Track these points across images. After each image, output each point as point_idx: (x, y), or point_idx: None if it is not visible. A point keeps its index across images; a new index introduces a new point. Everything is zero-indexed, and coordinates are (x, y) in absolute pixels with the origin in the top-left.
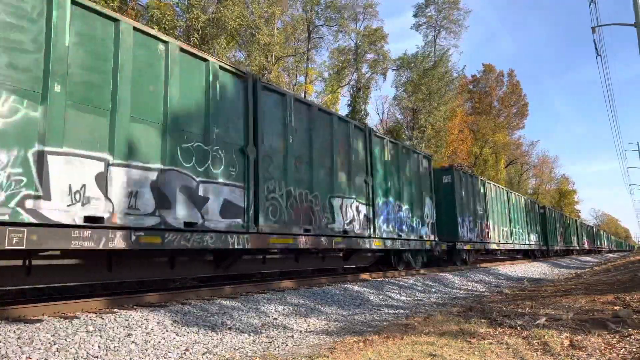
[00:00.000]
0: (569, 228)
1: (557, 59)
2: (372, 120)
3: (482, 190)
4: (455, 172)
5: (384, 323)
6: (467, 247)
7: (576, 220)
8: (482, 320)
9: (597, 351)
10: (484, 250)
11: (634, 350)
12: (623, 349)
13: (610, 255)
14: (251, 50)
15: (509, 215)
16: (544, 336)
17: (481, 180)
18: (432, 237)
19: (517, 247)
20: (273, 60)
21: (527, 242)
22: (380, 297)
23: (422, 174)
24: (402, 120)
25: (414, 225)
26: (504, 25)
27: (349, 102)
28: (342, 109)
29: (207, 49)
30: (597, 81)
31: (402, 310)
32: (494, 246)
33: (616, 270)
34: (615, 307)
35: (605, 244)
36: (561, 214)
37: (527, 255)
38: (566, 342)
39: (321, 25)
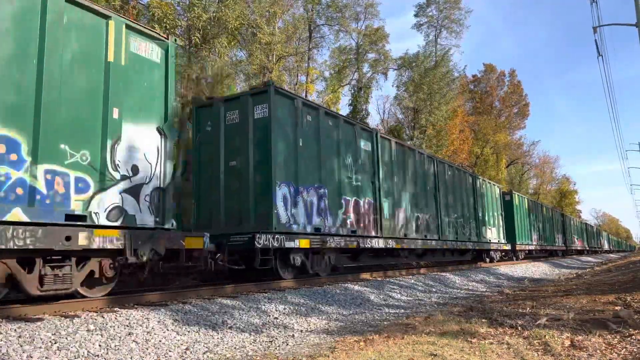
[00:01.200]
0: (550, 223)
1: (558, 58)
2: (374, 120)
3: (362, 146)
4: (276, 99)
5: (385, 323)
6: (300, 243)
7: (562, 214)
8: (483, 320)
9: (598, 351)
10: (359, 249)
11: (635, 350)
12: (624, 349)
13: (611, 255)
14: (252, 49)
15: (435, 197)
16: (545, 336)
17: (363, 127)
18: (142, 221)
19: (450, 245)
20: (274, 60)
21: (476, 238)
22: (381, 296)
23: (124, 69)
24: (403, 120)
25: (43, 190)
26: (506, 25)
27: (350, 101)
28: (343, 109)
29: (208, 48)
30: (598, 81)
31: (402, 310)
32: (383, 243)
33: (617, 271)
34: (616, 307)
35: (605, 243)
36: (541, 204)
37: (481, 257)
38: (567, 342)
39: (322, 25)
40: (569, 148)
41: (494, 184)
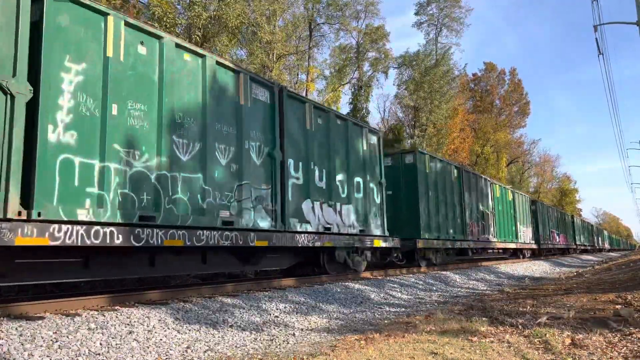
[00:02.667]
0: (511, 211)
1: (559, 57)
2: (374, 119)
3: None
4: None
5: (385, 321)
6: None
7: (534, 201)
8: (484, 319)
9: (599, 350)
10: None
11: (636, 349)
12: (625, 348)
13: (612, 254)
14: (253, 48)
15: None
16: (545, 335)
17: None
18: None
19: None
20: (274, 59)
21: (274, 223)
22: (382, 295)
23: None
24: (403, 118)
25: None
26: (507, 23)
27: (350, 100)
28: (344, 107)
29: (209, 47)
30: (599, 80)
31: (403, 309)
32: None
33: (617, 269)
34: (617, 306)
35: (600, 241)
36: (490, 181)
37: (318, 262)
38: (567, 341)
39: (322, 24)
40: (569, 147)
41: (356, 123)
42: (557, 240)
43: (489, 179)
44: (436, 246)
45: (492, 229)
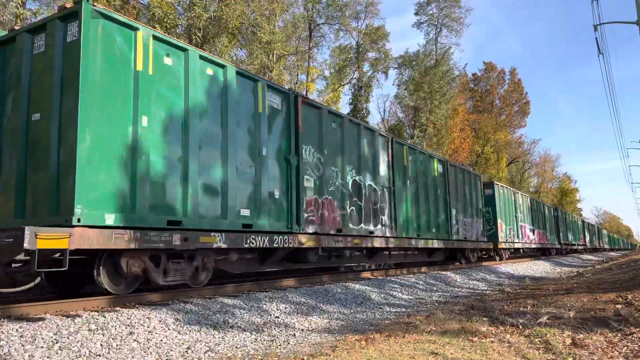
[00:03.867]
0: (431, 191)
1: (559, 57)
2: (374, 119)
3: None
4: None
5: (386, 321)
6: None
7: (492, 183)
8: (484, 319)
9: (599, 349)
10: None
11: (636, 348)
12: (625, 348)
13: (612, 253)
14: (253, 48)
15: None
16: (546, 334)
17: None
18: None
19: None
20: (274, 59)
21: None
22: (382, 295)
23: None
24: (403, 118)
25: None
26: (507, 24)
27: (351, 100)
28: (344, 108)
29: (209, 47)
30: (599, 79)
31: (403, 309)
32: None
33: (618, 269)
34: (618, 306)
35: (595, 240)
36: (381, 135)
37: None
38: (568, 341)
39: (322, 24)
40: (569, 146)
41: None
42: (531, 238)
43: (384, 133)
44: (142, 246)
45: (385, 217)
